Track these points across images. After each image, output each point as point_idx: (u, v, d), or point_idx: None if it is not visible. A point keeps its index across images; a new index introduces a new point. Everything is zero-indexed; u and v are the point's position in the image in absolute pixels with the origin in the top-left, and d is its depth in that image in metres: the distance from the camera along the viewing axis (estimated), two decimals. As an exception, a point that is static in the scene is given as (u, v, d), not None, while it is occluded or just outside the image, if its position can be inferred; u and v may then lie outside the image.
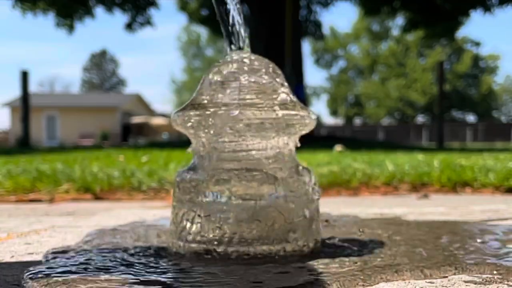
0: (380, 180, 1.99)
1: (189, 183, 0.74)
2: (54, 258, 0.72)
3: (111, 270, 0.64)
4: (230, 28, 0.78)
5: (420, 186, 1.94)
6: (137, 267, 0.66)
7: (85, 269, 0.64)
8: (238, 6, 0.77)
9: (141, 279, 0.60)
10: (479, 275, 0.60)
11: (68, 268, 0.65)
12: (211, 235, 0.71)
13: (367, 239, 0.84)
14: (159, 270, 0.65)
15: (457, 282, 0.58)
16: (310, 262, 0.68)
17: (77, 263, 0.68)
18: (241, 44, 0.78)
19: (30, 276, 0.61)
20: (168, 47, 76.54)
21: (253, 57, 0.78)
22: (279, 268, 0.64)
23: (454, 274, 0.61)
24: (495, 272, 0.61)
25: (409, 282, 0.58)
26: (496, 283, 0.57)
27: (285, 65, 7.26)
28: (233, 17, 0.77)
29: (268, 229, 0.71)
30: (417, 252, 0.73)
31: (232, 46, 0.79)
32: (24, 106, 8.40)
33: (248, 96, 0.73)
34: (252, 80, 0.75)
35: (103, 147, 7.27)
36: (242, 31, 0.78)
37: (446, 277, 0.60)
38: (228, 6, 0.77)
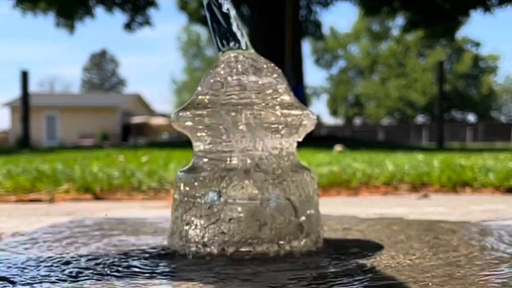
0: (380, 180, 1.99)
1: (189, 183, 0.74)
2: None
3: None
4: (216, 28, 0.78)
5: (420, 186, 1.94)
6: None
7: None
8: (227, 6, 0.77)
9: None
10: (478, 275, 0.60)
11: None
12: (210, 236, 0.71)
13: (368, 239, 0.84)
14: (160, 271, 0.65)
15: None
16: (311, 263, 0.68)
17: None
18: (227, 44, 0.78)
19: None
20: (168, 47, 76.63)
21: (253, 56, 0.78)
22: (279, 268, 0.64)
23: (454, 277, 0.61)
24: (496, 280, 0.61)
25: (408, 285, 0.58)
26: None
27: (285, 65, 7.26)
28: (219, 16, 0.77)
29: (268, 229, 0.71)
30: (417, 254, 0.73)
31: (221, 47, 0.79)
32: (24, 106, 8.40)
33: (248, 96, 0.73)
34: (252, 79, 0.75)
35: (103, 147, 7.27)
36: (236, 30, 0.78)
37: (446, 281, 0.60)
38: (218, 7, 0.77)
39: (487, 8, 9.70)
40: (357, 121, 36.75)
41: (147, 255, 0.74)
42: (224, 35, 0.78)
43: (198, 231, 0.72)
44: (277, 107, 0.73)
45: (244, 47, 0.78)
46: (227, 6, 0.77)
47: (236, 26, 0.78)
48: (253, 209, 0.71)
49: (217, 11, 0.77)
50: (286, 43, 7.73)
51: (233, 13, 0.78)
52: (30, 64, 73.42)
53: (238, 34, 0.78)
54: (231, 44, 0.78)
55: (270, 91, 0.75)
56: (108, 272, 0.64)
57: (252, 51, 0.79)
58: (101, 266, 0.67)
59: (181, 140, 8.21)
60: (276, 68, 0.79)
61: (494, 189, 1.85)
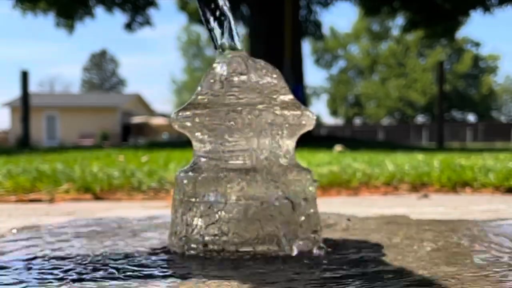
0: (380, 180, 1.99)
1: (189, 183, 0.74)
2: None
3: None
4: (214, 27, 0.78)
5: (420, 186, 1.94)
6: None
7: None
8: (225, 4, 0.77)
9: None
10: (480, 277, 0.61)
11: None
12: (210, 235, 0.71)
13: (367, 239, 0.84)
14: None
15: None
16: (311, 263, 0.68)
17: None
18: (231, 44, 0.78)
19: None
20: (168, 47, 76.64)
21: (251, 59, 0.78)
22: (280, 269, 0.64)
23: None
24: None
25: None
26: None
27: (285, 65, 7.26)
28: (216, 15, 0.77)
29: (268, 229, 0.71)
30: (417, 256, 0.73)
31: (220, 46, 0.79)
32: (24, 106, 8.40)
33: (248, 96, 0.73)
34: (252, 80, 0.75)
35: (103, 147, 7.27)
36: (231, 29, 0.78)
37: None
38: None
39: (487, 8, 9.70)
40: (357, 121, 36.75)
41: (147, 254, 0.74)
42: (221, 35, 0.78)
43: (198, 231, 0.72)
44: (277, 107, 0.73)
45: (239, 48, 0.78)
46: (223, 5, 0.77)
47: (234, 27, 0.78)
48: (253, 209, 0.71)
49: (212, 11, 0.77)
50: (286, 43, 7.73)
51: (229, 13, 0.78)
52: (30, 64, 73.44)
53: (234, 34, 0.78)
54: (227, 44, 0.78)
55: (270, 91, 0.75)
56: (113, 272, 0.64)
57: (243, 52, 0.79)
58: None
59: (181, 140, 8.20)
60: (275, 68, 0.79)
61: (494, 189, 1.85)
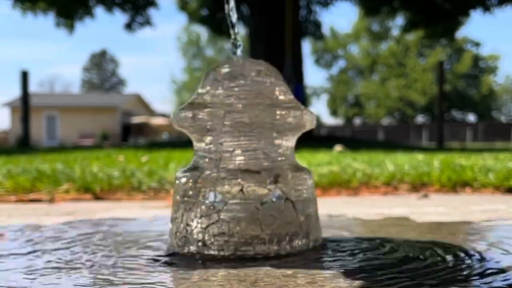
0: (380, 180, 1.99)
1: (189, 183, 0.74)
2: None
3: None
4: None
5: (420, 186, 1.94)
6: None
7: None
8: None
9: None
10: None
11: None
12: (211, 236, 0.71)
13: (366, 239, 0.84)
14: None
15: None
16: (310, 263, 0.68)
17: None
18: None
19: None
20: (168, 47, 76.63)
21: (252, 59, 0.79)
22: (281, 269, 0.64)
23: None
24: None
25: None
26: None
27: (285, 65, 7.26)
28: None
29: (268, 228, 0.71)
30: (416, 254, 0.73)
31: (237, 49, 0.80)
32: (24, 106, 8.39)
33: (248, 96, 0.73)
34: (252, 80, 0.75)
35: (103, 147, 7.27)
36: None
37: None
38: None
39: (487, 8, 9.70)
40: (357, 121, 36.73)
41: (147, 254, 0.74)
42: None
43: (198, 231, 0.72)
44: (277, 107, 0.73)
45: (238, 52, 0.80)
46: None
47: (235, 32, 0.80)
48: (253, 209, 0.71)
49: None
50: (286, 43, 7.72)
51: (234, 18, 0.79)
52: (30, 64, 73.39)
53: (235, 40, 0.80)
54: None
55: (270, 91, 0.75)
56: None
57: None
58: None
59: (181, 140, 8.20)
60: (275, 69, 0.79)
61: (494, 189, 1.85)
